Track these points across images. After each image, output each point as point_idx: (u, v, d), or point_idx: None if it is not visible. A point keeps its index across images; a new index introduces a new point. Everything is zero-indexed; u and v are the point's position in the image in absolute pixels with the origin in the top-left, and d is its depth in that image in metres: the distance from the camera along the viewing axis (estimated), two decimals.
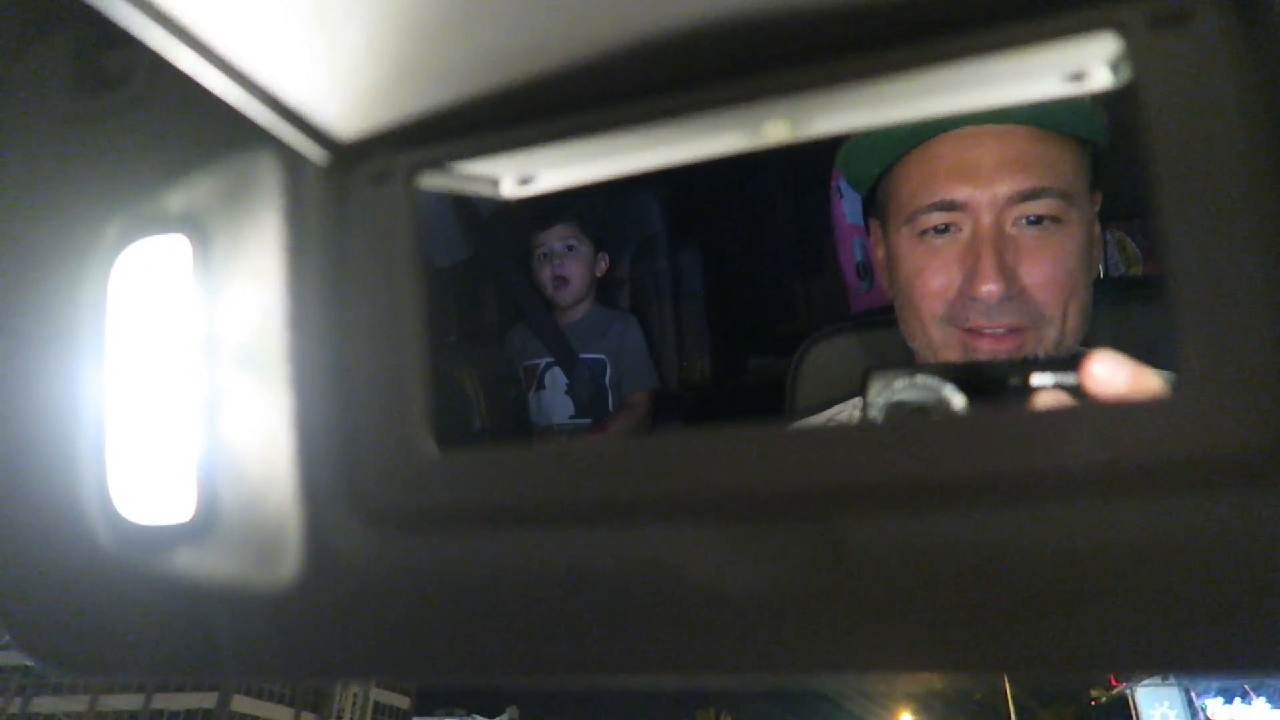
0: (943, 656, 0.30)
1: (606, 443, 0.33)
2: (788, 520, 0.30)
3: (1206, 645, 0.26)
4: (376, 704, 29.91)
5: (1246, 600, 0.26)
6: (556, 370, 2.13)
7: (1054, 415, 0.29)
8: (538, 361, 2.14)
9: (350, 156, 0.36)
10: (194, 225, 0.38)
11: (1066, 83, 0.36)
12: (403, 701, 31.82)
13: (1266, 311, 0.26)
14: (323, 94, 0.33)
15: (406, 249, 0.35)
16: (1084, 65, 0.34)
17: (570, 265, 2.08)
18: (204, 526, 0.36)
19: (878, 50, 0.31)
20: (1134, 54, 0.28)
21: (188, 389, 0.37)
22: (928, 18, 0.30)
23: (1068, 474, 0.28)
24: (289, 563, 0.35)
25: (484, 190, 0.41)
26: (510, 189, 0.43)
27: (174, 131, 0.39)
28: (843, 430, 0.31)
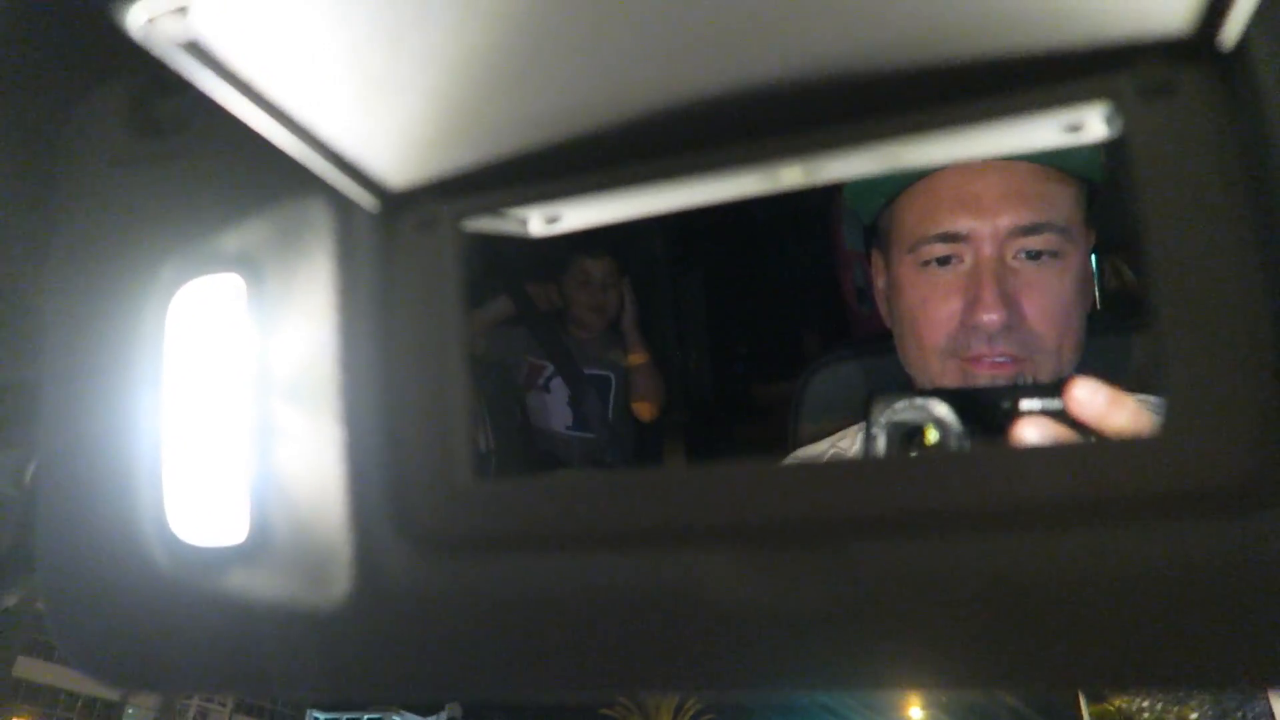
0: (947, 673, 0.32)
1: (634, 474, 0.35)
2: (803, 548, 0.33)
3: (1186, 663, 0.29)
4: None
5: (1224, 621, 0.28)
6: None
7: (1050, 451, 0.32)
8: (546, 363, 2.17)
9: (399, 204, 0.38)
10: (248, 265, 0.40)
11: (1065, 133, 0.39)
12: None
13: (1247, 355, 0.29)
14: (376, 148, 0.35)
15: (450, 291, 0.38)
16: (1081, 119, 0.37)
17: (610, 298, 2.14)
18: (256, 548, 0.38)
19: (887, 114, 0.34)
20: (1125, 120, 0.31)
21: (241, 419, 0.40)
22: (933, 87, 0.33)
23: (1062, 506, 0.30)
24: (337, 584, 0.37)
25: (514, 229, 0.44)
26: (538, 228, 0.45)
27: (229, 176, 0.42)
28: (853, 464, 0.33)
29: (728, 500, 0.34)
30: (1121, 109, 0.31)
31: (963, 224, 0.82)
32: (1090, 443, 0.32)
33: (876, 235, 0.99)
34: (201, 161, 0.43)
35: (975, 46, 0.32)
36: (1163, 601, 0.29)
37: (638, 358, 2.14)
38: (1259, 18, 0.28)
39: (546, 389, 2.15)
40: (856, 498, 0.33)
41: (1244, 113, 0.30)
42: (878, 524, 0.32)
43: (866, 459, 0.50)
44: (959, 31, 0.31)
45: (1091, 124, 0.37)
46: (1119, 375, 0.52)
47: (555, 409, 2.14)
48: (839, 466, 0.34)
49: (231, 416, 0.40)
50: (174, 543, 0.40)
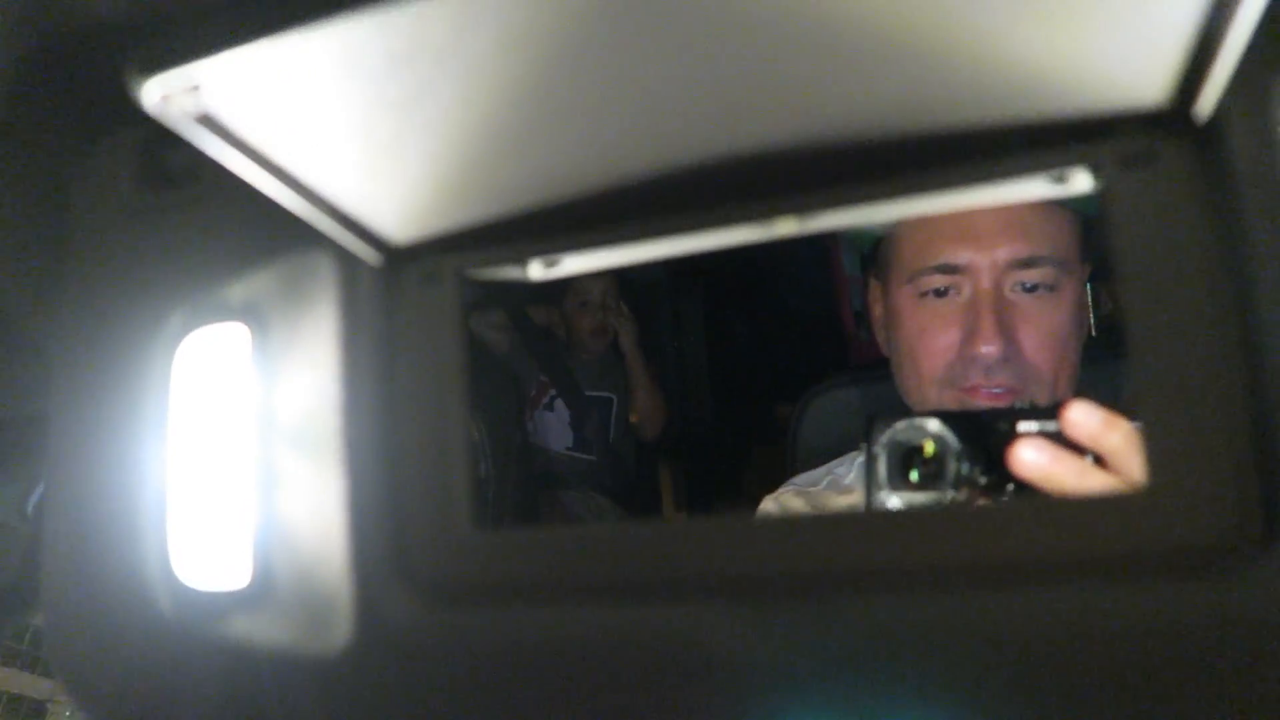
0: None
1: (631, 527, 0.36)
2: (797, 602, 0.33)
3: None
4: None
5: (1207, 680, 0.29)
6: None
7: (1033, 507, 0.32)
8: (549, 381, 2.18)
9: (401, 258, 0.39)
10: (254, 315, 0.41)
11: (1051, 185, 0.40)
12: None
13: (1223, 417, 0.30)
14: (380, 207, 0.36)
15: (452, 343, 0.39)
16: (1067, 172, 0.38)
17: (610, 319, 2.14)
18: (259, 594, 0.39)
19: (878, 177, 0.35)
20: (1107, 187, 0.32)
21: (245, 466, 0.40)
22: (921, 153, 0.34)
23: (1047, 562, 0.31)
24: (338, 630, 0.38)
25: (514, 275, 0.45)
26: (537, 273, 0.46)
27: (236, 227, 0.43)
28: (845, 518, 0.34)
29: (725, 554, 0.35)
30: (1103, 176, 0.32)
31: (961, 256, 0.83)
32: (1073, 499, 0.33)
33: (874, 263, 0.99)
34: (209, 213, 0.44)
35: (962, 115, 0.33)
36: (1147, 659, 0.30)
37: (639, 383, 2.14)
38: (1233, 91, 0.29)
39: (550, 408, 2.16)
40: (849, 552, 0.33)
41: (1219, 181, 0.31)
42: (868, 578, 0.33)
43: (858, 512, 0.51)
44: (947, 101, 0.32)
45: (1077, 177, 0.39)
46: (1113, 399, 0.52)
47: (557, 429, 2.15)
48: (832, 520, 0.35)
49: (236, 463, 0.41)
50: (178, 586, 0.40)
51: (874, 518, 0.35)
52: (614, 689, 0.35)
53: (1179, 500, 0.30)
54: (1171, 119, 0.31)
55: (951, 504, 0.50)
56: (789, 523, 0.34)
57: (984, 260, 0.82)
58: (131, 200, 0.45)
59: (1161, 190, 0.31)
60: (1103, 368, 1.05)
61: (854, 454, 1.05)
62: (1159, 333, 0.31)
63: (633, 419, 2.18)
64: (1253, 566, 0.29)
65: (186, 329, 0.42)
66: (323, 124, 0.31)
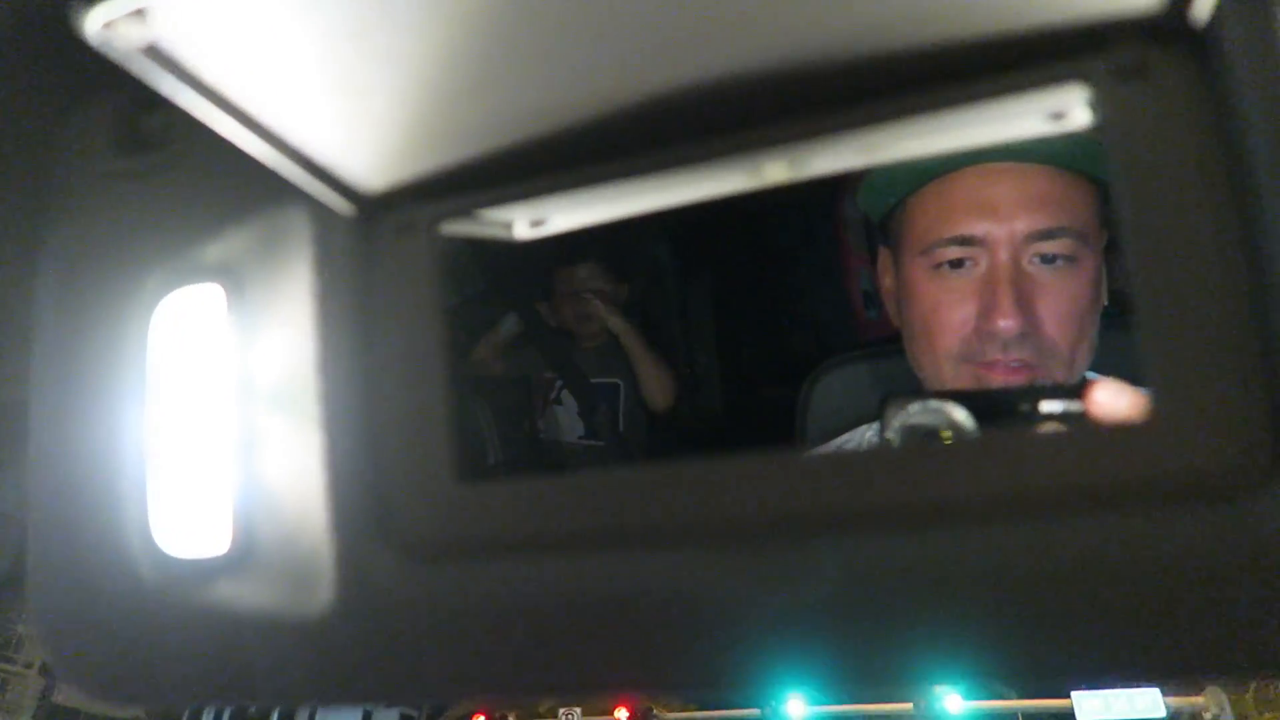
0: (947, 668, 0.32)
1: (625, 471, 0.35)
2: (803, 543, 0.32)
3: (1184, 651, 0.28)
4: None
5: (1217, 608, 0.28)
6: None
7: (1043, 440, 0.31)
8: (554, 377, 2.18)
9: (376, 209, 0.38)
10: (229, 275, 0.40)
11: (1048, 122, 0.39)
12: None
13: (1229, 338, 0.28)
14: (349, 151, 0.35)
15: (429, 294, 0.38)
16: (1064, 106, 0.36)
17: (596, 306, 2.12)
18: (240, 558, 0.38)
19: (867, 102, 0.34)
20: (1100, 102, 0.31)
21: (223, 428, 0.39)
22: (911, 73, 0.32)
23: (1054, 494, 0.30)
24: (322, 592, 0.37)
25: (499, 233, 0.44)
26: (523, 231, 0.45)
27: (210, 188, 0.42)
28: (854, 456, 0.33)
29: (722, 496, 0.34)
30: (1096, 92, 0.31)
31: (978, 227, 0.81)
32: (1081, 430, 0.31)
33: (885, 234, 0.97)
34: (185, 174, 0.43)
35: (951, 31, 0.32)
36: (1159, 588, 0.29)
37: (641, 361, 2.13)
38: None
39: (558, 401, 2.16)
40: (855, 491, 0.32)
41: (1217, 91, 0.29)
42: (876, 517, 0.32)
43: (868, 450, 0.50)
44: (935, 16, 0.31)
45: (1074, 112, 0.37)
46: (1126, 370, 0.51)
47: (567, 421, 2.15)
48: (840, 458, 0.34)
49: (214, 426, 0.40)
50: (159, 555, 0.39)
51: (881, 456, 0.34)
52: (604, 638, 0.34)
53: (1185, 425, 0.29)
54: (1166, 27, 0.29)
55: (954, 442, 0.49)
56: (786, 464, 0.33)
57: (1002, 232, 0.80)
58: (108, 167, 0.45)
59: (1157, 104, 0.30)
60: (1113, 336, 1.04)
61: (864, 427, 1.03)
62: (1157, 254, 0.30)
63: (644, 395, 2.17)
64: (1263, 491, 0.28)
65: (162, 291, 0.41)
66: (280, 57, 0.30)
